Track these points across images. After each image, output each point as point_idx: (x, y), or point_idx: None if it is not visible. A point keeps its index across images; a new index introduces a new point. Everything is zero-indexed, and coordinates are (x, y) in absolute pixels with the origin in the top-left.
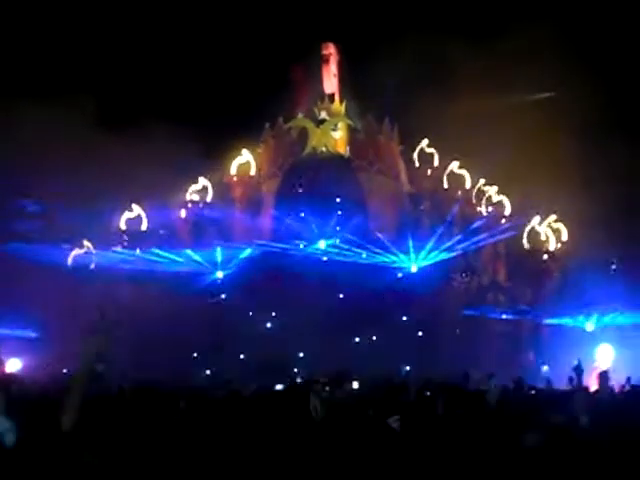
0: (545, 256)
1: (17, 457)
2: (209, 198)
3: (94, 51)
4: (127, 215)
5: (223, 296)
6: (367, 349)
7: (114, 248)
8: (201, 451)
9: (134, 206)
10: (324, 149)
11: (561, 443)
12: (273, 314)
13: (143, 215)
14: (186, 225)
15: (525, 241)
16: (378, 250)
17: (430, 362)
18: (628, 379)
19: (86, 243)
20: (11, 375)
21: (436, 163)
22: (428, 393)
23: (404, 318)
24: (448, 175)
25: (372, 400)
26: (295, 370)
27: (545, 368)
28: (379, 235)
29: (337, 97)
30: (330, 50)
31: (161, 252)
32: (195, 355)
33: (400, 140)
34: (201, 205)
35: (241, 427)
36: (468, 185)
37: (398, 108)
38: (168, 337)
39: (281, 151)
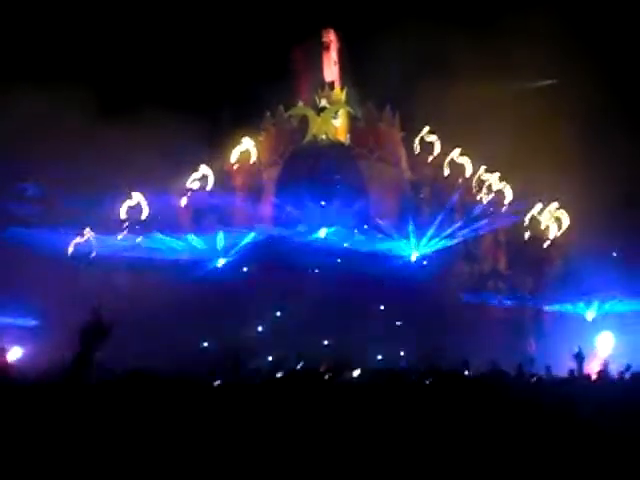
0: (546, 244)
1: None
2: (210, 186)
3: (97, 37)
4: (128, 203)
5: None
6: (367, 337)
7: (114, 236)
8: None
9: (134, 194)
10: (324, 137)
11: (560, 429)
12: (273, 302)
13: (144, 203)
14: (187, 213)
15: (526, 229)
16: (379, 237)
17: (431, 350)
18: (628, 366)
19: (86, 231)
20: (10, 364)
21: (437, 150)
22: (428, 382)
23: (404, 305)
24: (449, 163)
25: (372, 387)
26: (294, 357)
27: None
28: (380, 222)
29: (337, 85)
30: (331, 37)
31: (162, 236)
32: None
33: (401, 127)
34: (202, 193)
35: (244, 414)
36: (469, 173)
37: (399, 95)
38: (168, 325)
39: (282, 139)
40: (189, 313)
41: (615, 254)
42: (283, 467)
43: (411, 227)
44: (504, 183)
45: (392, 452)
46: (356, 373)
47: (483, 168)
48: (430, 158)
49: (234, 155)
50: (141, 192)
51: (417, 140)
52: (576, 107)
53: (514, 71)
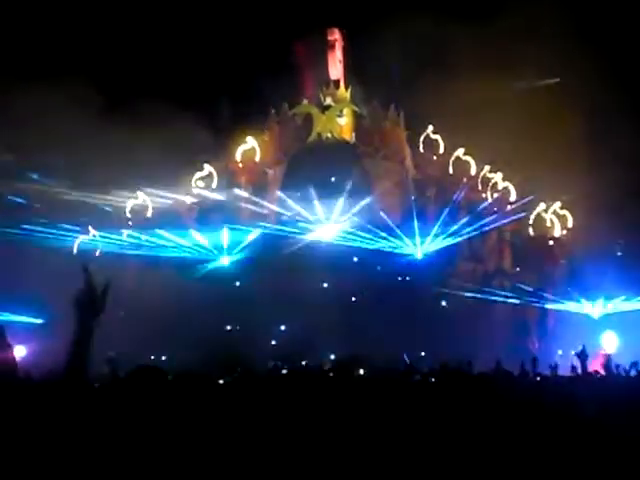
0: (550, 242)
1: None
2: (214, 185)
3: (101, 33)
4: (133, 202)
5: None
6: (370, 335)
7: (120, 234)
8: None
9: (139, 193)
10: (329, 135)
11: (565, 428)
12: (279, 301)
13: (148, 201)
14: (191, 211)
15: (530, 227)
16: (384, 236)
17: (435, 348)
18: (633, 364)
19: (91, 229)
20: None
21: (442, 149)
22: (433, 379)
23: (409, 303)
24: (454, 161)
25: (377, 385)
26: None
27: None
28: (385, 220)
29: (342, 83)
30: (335, 36)
31: (167, 233)
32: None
33: (406, 126)
34: (206, 192)
35: (249, 411)
36: (474, 171)
37: (404, 94)
38: (173, 323)
39: (286, 137)
40: (194, 310)
41: (620, 253)
42: (289, 465)
43: (416, 225)
44: (508, 182)
45: (396, 450)
46: (361, 371)
47: (487, 168)
48: (435, 157)
49: (238, 154)
50: (146, 191)
51: (422, 139)
52: (580, 106)
53: (518, 69)
